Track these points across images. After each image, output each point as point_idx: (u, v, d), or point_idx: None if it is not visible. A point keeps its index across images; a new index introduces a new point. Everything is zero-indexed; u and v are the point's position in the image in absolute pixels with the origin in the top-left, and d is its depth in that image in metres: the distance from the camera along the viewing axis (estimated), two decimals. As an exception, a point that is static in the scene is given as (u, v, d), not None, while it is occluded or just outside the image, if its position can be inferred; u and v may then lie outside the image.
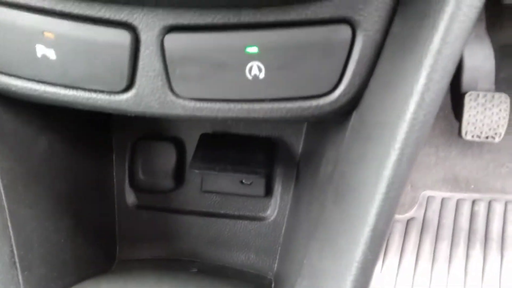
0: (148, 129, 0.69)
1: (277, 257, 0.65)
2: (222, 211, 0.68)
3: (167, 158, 0.68)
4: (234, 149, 0.64)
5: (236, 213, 0.68)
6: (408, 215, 0.94)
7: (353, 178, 0.37)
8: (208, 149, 0.63)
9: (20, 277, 0.42)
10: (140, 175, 0.68)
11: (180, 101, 0.38)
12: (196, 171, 0.59)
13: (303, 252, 0.45)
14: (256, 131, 0.66)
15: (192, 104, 0.39)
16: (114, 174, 0.68)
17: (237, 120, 0.40)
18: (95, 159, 0.64)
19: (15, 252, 0.42)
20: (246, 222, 0.67)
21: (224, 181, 0.65)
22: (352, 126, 0.40)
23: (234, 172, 0.59)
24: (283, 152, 0.66)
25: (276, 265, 0.65)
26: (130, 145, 0.69)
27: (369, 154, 0.36)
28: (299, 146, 0.65)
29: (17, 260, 0.43)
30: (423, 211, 0.94)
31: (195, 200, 0.68)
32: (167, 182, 0.68)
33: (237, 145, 0.65)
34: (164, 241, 0.69)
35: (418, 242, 0.92)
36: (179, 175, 0.68)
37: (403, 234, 0.93)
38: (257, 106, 0.38)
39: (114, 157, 0.68)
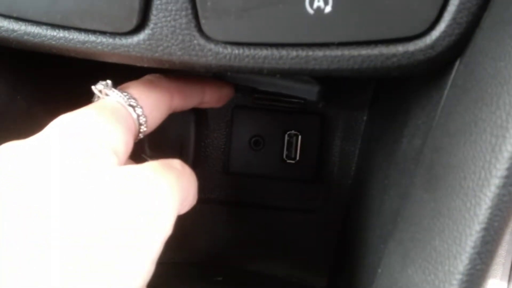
0: None
1: (329, 264, 0.65)
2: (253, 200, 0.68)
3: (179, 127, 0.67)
4: None
5: (272, 203, 0.68)
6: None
7: (455, 155, 0.34)
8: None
9: None
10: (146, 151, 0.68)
11: (212, 45, 0.37)
12: None
13: (375, 259, 0.44)
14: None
15: (228, 50, 0.37)
16: None
17: (289, 73, 0.39)
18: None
19: None
20: (285, 214, 0.67)
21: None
22: (454, 82, 0.37)
23: None
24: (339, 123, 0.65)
25: (327, 275, 0.65)
26: None
27: (481, 121, 0.33)
28: (363, 113, 0.63)
29: None
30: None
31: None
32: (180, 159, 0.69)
33: None
34: (177, 239, 0.69)
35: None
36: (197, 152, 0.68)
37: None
38: (319, 53, 0.36)
39: None
